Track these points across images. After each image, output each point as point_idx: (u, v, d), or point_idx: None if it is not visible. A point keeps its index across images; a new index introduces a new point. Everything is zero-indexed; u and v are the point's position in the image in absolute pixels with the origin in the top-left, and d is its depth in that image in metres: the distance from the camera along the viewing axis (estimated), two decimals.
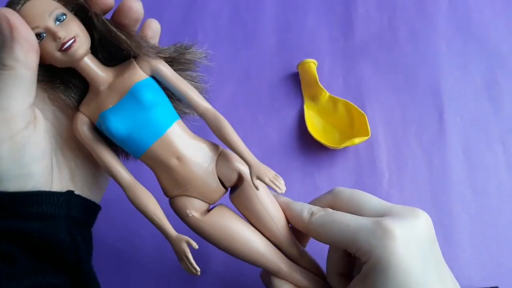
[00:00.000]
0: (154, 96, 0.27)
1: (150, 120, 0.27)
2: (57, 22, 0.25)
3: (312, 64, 0.48)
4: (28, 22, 0.24)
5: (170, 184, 0.29)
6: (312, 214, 0.29)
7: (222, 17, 0.55)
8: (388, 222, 0.26)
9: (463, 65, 0.51)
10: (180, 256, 0.28)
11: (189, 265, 0.28)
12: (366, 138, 0.44)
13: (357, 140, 0.43)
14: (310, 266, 0.33)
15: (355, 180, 0.46)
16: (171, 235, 0.28)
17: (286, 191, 0.28)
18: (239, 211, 0.31)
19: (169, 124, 0.28)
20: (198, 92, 0.29)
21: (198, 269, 0.28)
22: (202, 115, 0.29)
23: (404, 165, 0.46)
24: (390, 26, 0.53)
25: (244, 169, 0.30)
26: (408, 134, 0.48)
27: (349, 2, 0.55)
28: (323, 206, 0.30)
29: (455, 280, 0.27)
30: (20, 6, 0.25)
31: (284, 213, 0.31)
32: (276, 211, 0.31)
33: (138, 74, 0.27)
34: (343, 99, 0.47)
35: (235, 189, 0.31)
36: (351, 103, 0.47)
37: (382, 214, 0.28)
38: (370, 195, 0.31)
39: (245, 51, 0.53)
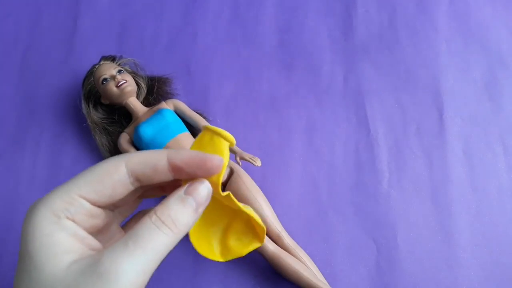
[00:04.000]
0: (173, 115, 0.45)
1: (168, 127, 0.44)
2: (118, 74, 0.46)
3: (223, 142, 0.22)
4: (99, 74, 0.46)
5: None
6: None
7: (222, 17, 0.55)
8: None
9: (463, 65, 0.51)
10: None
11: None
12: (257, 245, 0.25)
13: (243, 250, 0.25)
14: (291, 244, 0.41)
15: (355, 180, 0.46)
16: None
17: (261, 165, 0.40)
18: None
19: (180, 131, 0.44)
20: (202, 118, 0.47)
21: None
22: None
23: (404, 165, 0.46)
24: (390, 26, 0.53)
25: (233, 163, 0.44)
26: (408, 134, 0.48)
27: (349, 2, 0.55)
28: None
29: None
30: (96, 66, 0.48)
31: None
32: (259, 194, 0.42)
33: (165, 105, 0.47)
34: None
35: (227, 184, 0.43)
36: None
37: None
38: None
39: (245, 51, 0.53)
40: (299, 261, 0.40)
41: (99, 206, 0.20)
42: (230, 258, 0.24)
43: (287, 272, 0.39)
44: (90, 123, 0.47)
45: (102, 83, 0.46)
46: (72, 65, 0.53)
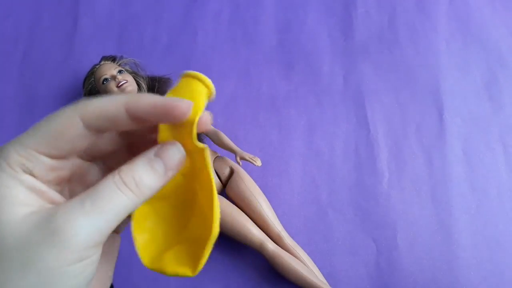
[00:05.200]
0: None
1: None
2: (118, 74, 0.46)
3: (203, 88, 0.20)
4: (100, 73, 0.47)
5: None
6: None
7: (222, 17, 0.55)
8: None
9: (463, 65, 0.51)
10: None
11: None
12: (187, 273, 0.20)
13: (170, 269, 0.21)
14: (291, 244, 0.41)
15: (355, 180, 0.46)
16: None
17: (261, 165, 0.40)
18: (232, 199, 0.42)
19: None
20: None
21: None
22: (206, 133, 0.44)
23: (404, 165, 0.46)
24: (390, 26, 0.53)
25: (233, 163, 0.44)
26: (408, 134, 0.48)
27: (349, 2, 0.55)
28: None
29: None
30: (97, 66, 0.48)
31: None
32: (259, 194, 0.42)
33: None
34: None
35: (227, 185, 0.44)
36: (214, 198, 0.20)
37: None
38: None
39: (245, 51, 0.53)
40: (299, 261, 0.40)
41: (60, 158, 0.18)
42: (154, 267, 0.20)
43: (287, 272, 0.39)
44: None
45: (103, 83, 0.46)
46: (72, 65, 0.53)
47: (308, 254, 0.42)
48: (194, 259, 0.20)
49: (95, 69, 0.48)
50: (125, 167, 0.18)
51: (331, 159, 0.47)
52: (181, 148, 0.19)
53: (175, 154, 0.19)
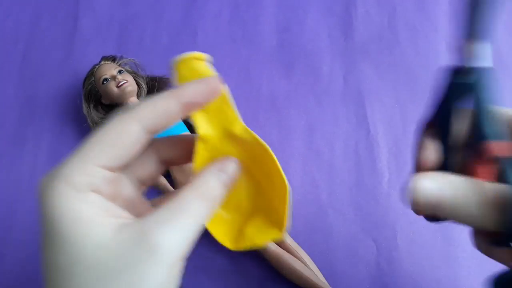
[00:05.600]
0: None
1: (174, 126, 0.43)
2: (118, 74, 0.46)
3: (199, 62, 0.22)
4: (100, 74, 0.46)
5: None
6: None
7: (222, 17, 0.55)
8: None
9: None
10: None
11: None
12: (276, 235, 0.22)
13: (258, 239, 0.22)
14: (292, 244, 0.41)
15: (355, 180, 0.46)
16: None
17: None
18: None
19: (180, 131, 0.44)
20: None
21: None
22: None
23: (404, 165, 0.46)
24: (390, 26, 0.53)
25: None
26: (408, 134, 0.48)
27: (349, 2, 0.55)
28: None
29: None
30: (97, 66, 0.48)
31: None
32: None
33: None
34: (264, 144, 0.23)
35: None
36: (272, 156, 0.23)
37: None
38: None
39: (245, 51, 0.53)
40: (299, 261, 0.40)
41: (116, 171, 0.19)
42: (240, 247, 0.22)
43: (287, 272, 0.39)
44: (90, 123, 0.47)
45: (103, 83, 0.46)
46: (72, 65, 0.53)
47: (308, 254, 0.42)
48: (277, 221, 0.22)
49: (95, 69, 0.48)
50: (199, 181, 0.20)
51: (331, 159, 0.47)
52: (237, 162, 0.22)
53: (234, 167, 0.22)
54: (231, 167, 0.22)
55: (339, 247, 0.43)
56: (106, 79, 0.46)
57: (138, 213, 0.21)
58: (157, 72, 0.51)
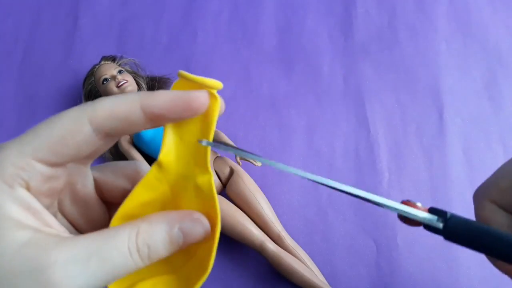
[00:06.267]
0: None
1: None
2: (118, 74, 0.46)
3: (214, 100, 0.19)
4: (100, 74, 0.46)
5: None
6: None
7: (222, 17, 0.55)
8: None
9: (463, 65, 0.51)
10: None
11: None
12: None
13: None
14: (292, 244, 0.41)
15: (355, 180, 0.46)
16: None
17: (261, 165, 0.43)
18: (232, 199, 0.42)
19: None
20: None
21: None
22: None
23: (404, 165, 0.46)
24: (390, 26, 0.53)
25: (233, 163, 0.44)
26: (408, 134, 0.48)
27: (349, 2, 0.55)
28: None
29: None
30: (97, 66, 0.48)
31: None
32: (259, 194, 0.42)
33: None
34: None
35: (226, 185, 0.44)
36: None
37: None
38: None
39: (245, 51, 0.53)
40: (299, 261, 0.40)
41: (58, 166, 0.17)
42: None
43: (287, 272, 0.39)
44: None
45: (103, 83, 0.46)
46: (72, 65, 0.53)
47: (308, 254, 0.42)
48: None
49: (95, 69, 0.48)
50: (144, 232, 0.16)
51: (331, 159, 0.47)
52: (207, 224, 0.18)
53: (199, 231, 0.17)
54: (197, 231, 0.17)
55: (339, 248, 0.43)
56: (106, 79, 0.46)
57: (89, 214, 0.20)
58: (157, 72, 0.51)
